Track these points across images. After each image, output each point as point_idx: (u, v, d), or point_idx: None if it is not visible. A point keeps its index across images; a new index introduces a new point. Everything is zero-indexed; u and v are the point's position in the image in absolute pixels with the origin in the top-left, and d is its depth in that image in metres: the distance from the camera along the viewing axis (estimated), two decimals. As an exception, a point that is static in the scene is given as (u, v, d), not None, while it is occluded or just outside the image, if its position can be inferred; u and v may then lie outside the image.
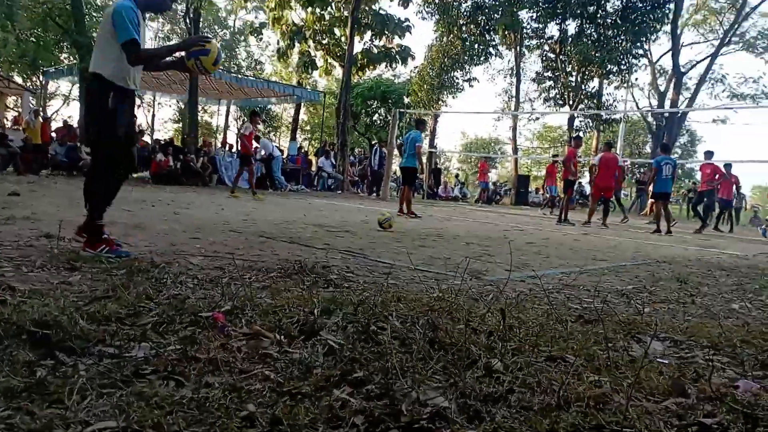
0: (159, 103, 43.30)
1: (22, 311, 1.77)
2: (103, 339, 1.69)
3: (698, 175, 16.86)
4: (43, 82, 24.93)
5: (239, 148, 13.29)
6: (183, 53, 3.77)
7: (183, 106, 34.18)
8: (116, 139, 3.56)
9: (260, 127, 12.38)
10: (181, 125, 37.63)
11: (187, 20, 17.34)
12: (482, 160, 21.34)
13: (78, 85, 18.44)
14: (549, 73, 31.09)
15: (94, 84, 3.52)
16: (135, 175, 15.88)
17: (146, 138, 22.86)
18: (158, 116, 46.77)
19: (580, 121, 31.15)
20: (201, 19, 19.01)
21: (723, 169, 14.01)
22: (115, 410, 1.22)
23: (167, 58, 3.86)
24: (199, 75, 4.10)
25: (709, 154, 13.98)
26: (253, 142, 13.01)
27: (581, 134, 15.95)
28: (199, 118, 21.36)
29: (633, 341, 2.34)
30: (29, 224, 4.70)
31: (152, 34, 44.63)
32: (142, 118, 44.60)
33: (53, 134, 16.74)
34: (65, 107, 40.81)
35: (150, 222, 5.76)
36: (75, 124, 17.84)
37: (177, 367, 1.49)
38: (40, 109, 20.96)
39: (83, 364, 1.52)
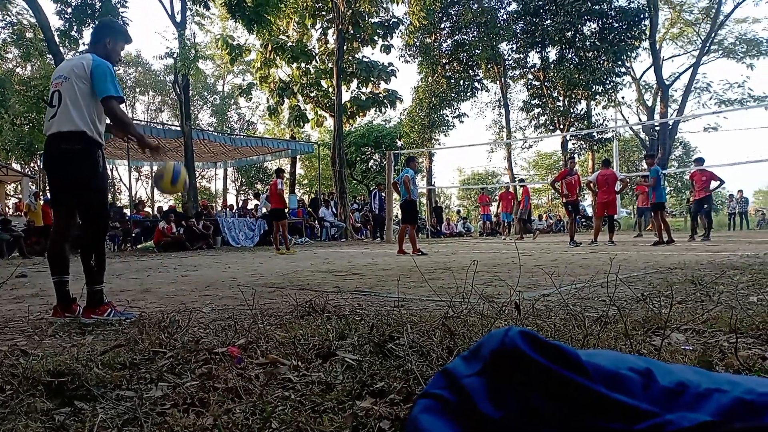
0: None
1: (36, 365, 1.76)
2: (120, 384, 1.67)
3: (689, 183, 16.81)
4: (41, 166, 25.30)
5: (274, 204, 13.38)
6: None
7: (180, 174, 34.48)
8: (106, 201, 3.57)
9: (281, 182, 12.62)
10: (180, 194, 37.96)
11: (177, 88, 17.67)
12: (481, 192, 21.45)
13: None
14: (536, 101, 31.53)
15: (78, 144, 3.34)
16: (139, 246, 15.96)
17: (147, 209, 23.00)
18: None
19: (573, 144, 31.40)
20: (190, 87, 19.40)
21: (715, 174, 13.97)
22: (138, 442, 1.20)
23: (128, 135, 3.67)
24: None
25: (700, 161, 14.01)
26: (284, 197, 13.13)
27: (575, 156, 16.06)
28: (197, 183, 21.52)
29: (653, 335, 2.30)
30: (38, 300, 4.70)
31: (144, 106, 45.55)
32: (141, 189, 45.05)
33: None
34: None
35: (158, 286, 5.74)
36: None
37: (196, 398, 1.47)
38: (40, 191, 21.18)
39: (101, 407, 1.51)
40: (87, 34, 16.80)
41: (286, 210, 13.18)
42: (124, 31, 3.77)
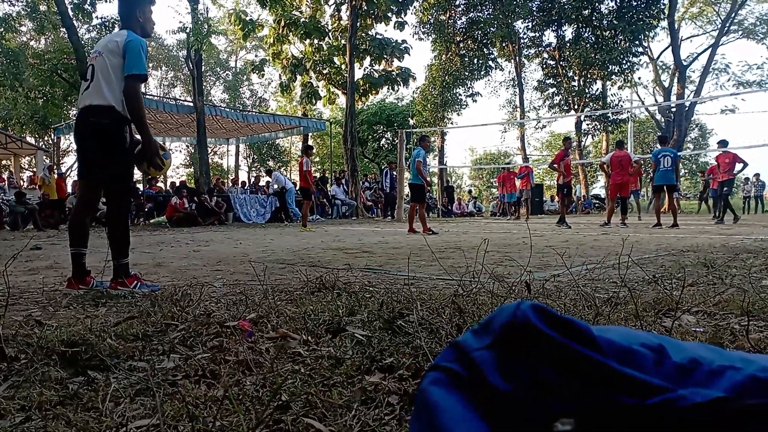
0: (170, 149, 43.86)
1: (51, 335, 1.78)
2: (133, 355, 1.69)
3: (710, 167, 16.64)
4: (55, 140, 25.42)
5: (300, 182, 13.47)
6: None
7: (193, 150, 34.60)
8: (130, 178, 3.61)
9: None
10: (192, 169, 38.11)
11: (190, 63, 17.64)
12: (503, 171, 21.27)
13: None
14: (551, 80, 31.22)
15: (106, 118, 3.38)
16: (152, 221, 16.08)
17: (159, 184, 23.13)
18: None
19: (588, 125, 31.11)
20: (203, 62, 19.35)
21: (739, 156, 13.77)
22: (149, 411, 1.22)
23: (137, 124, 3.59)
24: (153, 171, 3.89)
25: (723, 143, 13.79)
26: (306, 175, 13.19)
27: (571, 137, 15.96)
28: (209, 159, 21.60)
29: (664, 317, 2.30)
30: (53, 272, 4.75)
31: (156, 81, 45.55)
32: (154, 165, 45.18)
33: (69, 189, 17.04)
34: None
35: (170, 260, 5.79)
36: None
37: (207, 370, 1.49)
38: (54, 165, 21.33)
39: (114, 377, 1.53)
40: (100, 8, 16.82)
41: (312, 190, 13.18)
42: None
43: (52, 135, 24.67)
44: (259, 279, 3.50)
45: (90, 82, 3.46)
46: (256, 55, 39.95)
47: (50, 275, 4.52)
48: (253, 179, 24.14)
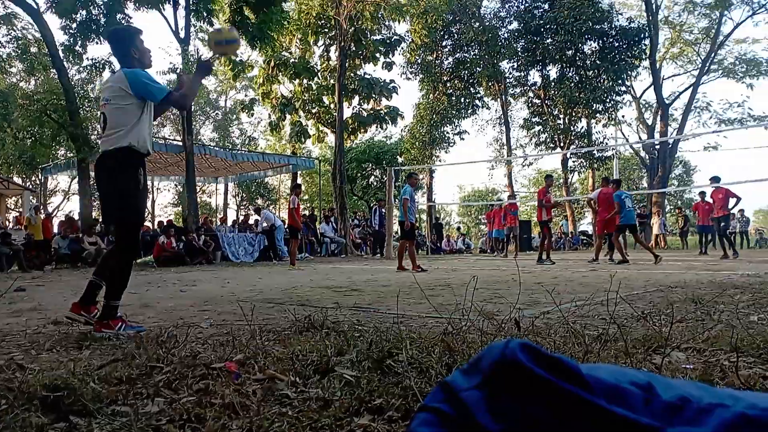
0: (158, 188, 43.85)
1: (32, 379, 1.74)
2: (116, 399, 1.65)
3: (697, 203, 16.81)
4: (42, 180, 25.33)
5: (288, 220, 13.49)
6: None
7: (181, 189, 34.52)
8: (135, 222, 3.67)
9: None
10: (180, 208, 37.99)
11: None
12: (495, 208, 21.50)
13: (77, 178, 18.78)
14: (537, 118, 31.68)
15: (120, 158, 3.48)
16: (139, 261, 15.92)
17: (146, 223, 23.02)
18: (158, 201, 47.18)
19: (573, 162, 31.48)
20: (193, 102, 19.50)
21: (731, 191, 13.88)
22: (132, 457, 1.19)
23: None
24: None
25: (716, 179, 13.94)
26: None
27: (553, 175, 16.22)
28: (197, 197, 21.55)
29: (654, 354, 2.29)
30: (36, 315, 4.67)
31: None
32: (142, 205, 45.02)
33: (55, 229, 16.88)
34: (66, 202, 41.35)
35: (157, 301, 5.72)
36: (76, 217, 18.02)
37: (192, 414, 1.46)
38: (41, 205, 21.21)
39: (97, 423, 1.49)
40: (91, 49, 17.00)
41: (298, 228, 13.23)
42: (132, 31, 3.82)
43: (40, 175, 24.58)
44: (246, 319, 3.46)
45: (103, 130, 3.60)
46: (245, 95, 40.28)
47: (34, 317, 4.44)
48: (242, 218, 24.08)
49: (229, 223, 21.93)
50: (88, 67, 18.69)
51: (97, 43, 16.82)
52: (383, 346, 2.02)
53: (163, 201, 48.00)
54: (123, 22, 16.60)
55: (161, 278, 9.66)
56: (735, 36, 31.37)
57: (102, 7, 16.54)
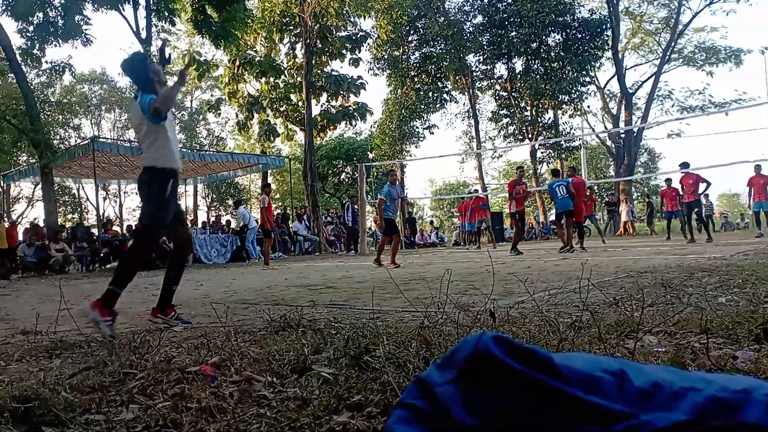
0: (125, 192, 43.15)
1: (1, 391, 1.70)
2: (89, 407, 1.62)
3: (664, 189, 17.05)
4: (5, 187, 24.67)
5: (260, 220, 13.36)
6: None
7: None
8: (149, 225, 3.97)
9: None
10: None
11: (144, 106, 17.43)
12: (467, 200, 21.56)
13: (40, 185, 18.31)
14: (504, 111, 31.95)
15: (145, 176, 3.93)
16: (108, 266, 15.64)
17: (115, 228, 22.61)
18: (125, 205, 46.41)
19: (542, 153, 31.84)
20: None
21: (701, 176, 14.11)
22: (108, 466, 1.17)
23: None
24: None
25: (685, 165, 14.15)
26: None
27: (523, 167, 16.45)
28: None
29: (626, 339, 2.33)
30: (3, 325, 4.56)
31: (110, 124, 44.94)
32: (109, 208, 44.32)
33: (20, 237, 16.47)
34: (30, 209, 40.40)
35: (128, 306, 5.62)
36: (41, 224, 17.60)
37: (169, 419, 1.44)
38: (4, 213, 20.65)
39: (70, 433, 1.46)
40: (50, 52, 16.62)
41: (270, 227, 13.08)
42: (141, 58, 4.16)
43: (2, 182, 23.95)
44: (221, 321, 3.42)
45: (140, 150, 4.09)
46: (211, 95, 39.83)
47: (1, 327, 4.34)
48: (212, 219, 23.82)
49: (200, 224, 21.66)
50: (48, 71, 18.25)
51: (55, 45, 16.42)
52: (360, 343, 2.02)
53: (130, 204, 47.22)
54: (81, 23, 16.25)
55: (132, 283, 9.50)
56: (694, 25, 31.87)
57: (59, 8, 16.15)
